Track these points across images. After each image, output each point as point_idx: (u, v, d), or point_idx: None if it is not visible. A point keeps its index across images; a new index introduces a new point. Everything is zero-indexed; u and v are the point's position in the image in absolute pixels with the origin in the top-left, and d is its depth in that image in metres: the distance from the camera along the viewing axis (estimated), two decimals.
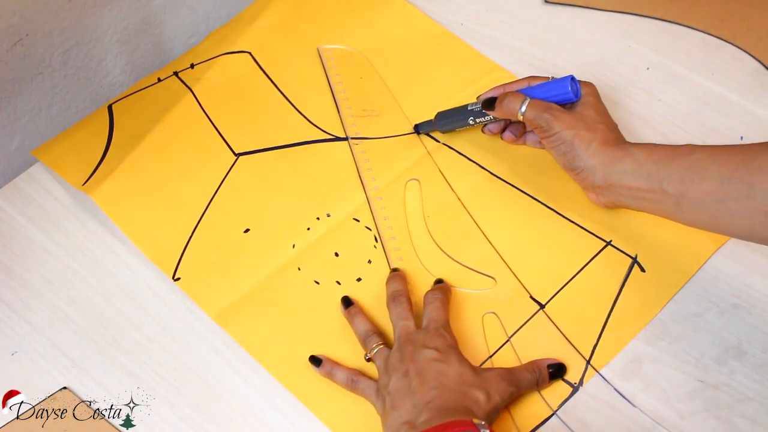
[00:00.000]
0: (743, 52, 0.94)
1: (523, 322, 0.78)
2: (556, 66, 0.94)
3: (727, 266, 0.80)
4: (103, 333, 0.79)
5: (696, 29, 0.96)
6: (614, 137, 0.79)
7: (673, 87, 0.92)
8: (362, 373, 0.74)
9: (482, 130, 0.87)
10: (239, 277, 0.81)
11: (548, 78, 0.83)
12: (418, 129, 0.89)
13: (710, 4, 0.98)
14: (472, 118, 0.85)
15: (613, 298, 0.78)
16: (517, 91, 0.83)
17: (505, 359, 0.76)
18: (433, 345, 0.72)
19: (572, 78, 0.81)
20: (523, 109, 0.80)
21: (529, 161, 0.87)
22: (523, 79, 0.85)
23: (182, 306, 0.80)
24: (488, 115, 0.84)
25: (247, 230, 0.84)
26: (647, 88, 0.92)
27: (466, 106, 0.86)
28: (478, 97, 0.86)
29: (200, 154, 0.89)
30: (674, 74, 0.93)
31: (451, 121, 0.87)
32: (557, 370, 0.74)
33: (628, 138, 0.81)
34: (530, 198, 0.85)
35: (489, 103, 0.83)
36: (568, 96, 0.80)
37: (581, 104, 0.81)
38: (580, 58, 0.95)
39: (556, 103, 0.81)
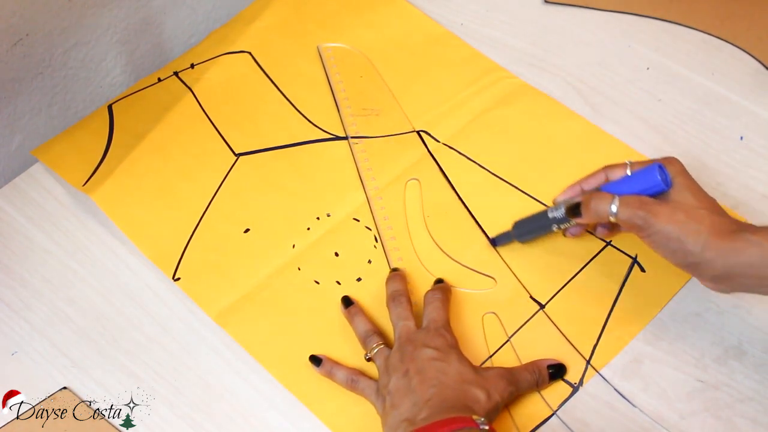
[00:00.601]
0: (743, 52, 0.94)
1: (523, 322, 0.78)
2: (556, 66, 0.94)
3: None
4: (103, 333, 0.79)
5: (696, 29, 0.96)
6: (723, 222, 0.70)
7: (673, 87, 0.92)
8: (362, 373, 0.74)
9: (564, 234, 0.80)
10: (239, 277, 0.81)
11: (626, 164, 0.76)
12: (494, 242, 0.82)
13: (710, 4, 0.98)
14: (555, 225, 0.78)
15: (613, 298, 0.78)
16: (601, 189, 0.75)
17: (505, 359, 0.76)
18: (433, 344, 0.72)
19: (660, 166, 0.72)
20: (614, 209, 0.71)
21: (529, 161, 0.87)
22: (598, 171, 0.77)
23: (182, 306, 0.80)
24: (572, 220, 0.76)
25: (247, 230, 0.84)
26: (647, 88, 0.92)
27: (545, 212, 0.78)
28: (554, 201, 0.79)
29: (200, 154, 0.89)
30: (674, 74, 0.93)
31: (531, 230, 0.80)
32: (557, 371, 0.74)
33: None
34: (530, 198, 0.85)
35: (574, 210, 0.75)
36: (659, 188, 0.72)
37: (673, 189, 0.72)
38: (580, 58, 0.95)
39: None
